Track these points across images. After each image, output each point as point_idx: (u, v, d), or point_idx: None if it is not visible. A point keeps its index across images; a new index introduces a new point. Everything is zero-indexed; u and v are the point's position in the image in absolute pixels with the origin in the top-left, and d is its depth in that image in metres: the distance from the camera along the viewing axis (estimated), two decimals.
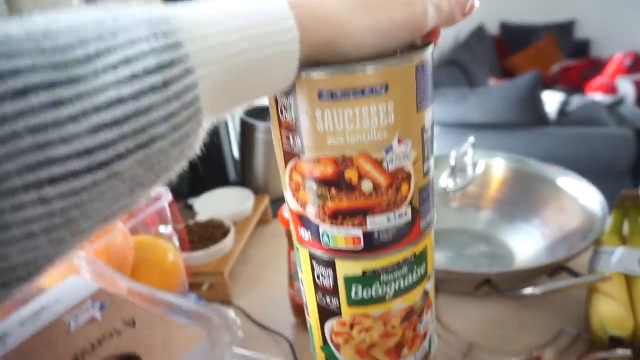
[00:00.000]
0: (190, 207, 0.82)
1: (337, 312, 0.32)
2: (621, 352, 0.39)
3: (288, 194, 0.30)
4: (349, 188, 0.27)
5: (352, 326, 0.32)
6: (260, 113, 0.86)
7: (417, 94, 0.26)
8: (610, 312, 0.44)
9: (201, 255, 0.65)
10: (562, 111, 2.32)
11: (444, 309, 0.60)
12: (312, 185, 0.28)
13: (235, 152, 0.98)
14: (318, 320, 0.33)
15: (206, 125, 0.21)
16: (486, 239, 0.70)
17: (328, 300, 0.32)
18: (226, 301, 0.65)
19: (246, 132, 0.86)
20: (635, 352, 0.42)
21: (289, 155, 0.28)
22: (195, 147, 0.21)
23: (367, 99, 0.24)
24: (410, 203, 0.28)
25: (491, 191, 0.76)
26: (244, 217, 0.78)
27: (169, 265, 0.42)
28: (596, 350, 0.44)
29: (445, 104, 1.86)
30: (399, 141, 0.26)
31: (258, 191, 0.85)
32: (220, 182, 0.91)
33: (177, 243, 0.44)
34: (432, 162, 0.30)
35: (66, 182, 0.16)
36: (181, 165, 0.21)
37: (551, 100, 2.39)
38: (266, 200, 0.83)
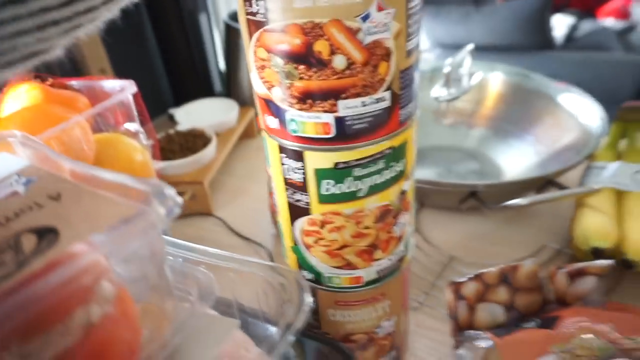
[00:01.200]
0: (172, 118, 0.79)
1: (307, 210, 0.30)
2: (602, 262, 0.38)
3: (254, 75, 0.27)
4: (320, 64, 0.23)
5: (322, 225, 0.30)
6: None
7: None
8: (594, 223, 0.43)
9: (180, 164, 0.63)
10: (570, 37, 2.21)
11: (428, 223, 0.59)
12: (278, 62, 0.24)
13: (222, 64, 0.93)
14: (288, 220, 0.32)
15: None
16: (477, 157, 0.68)
17: (298, 196, 0.29)
18: (207, 212, 0.64)
19: (231, 38, 0.80)
20: (617, 264, 0.42)
21: (253, 25, 0.24)
22: None
23: None
24: (390, 87, 0.25)
25: (486, 108, 0.72)
26: (228, 129, 0.75)
27: (137, 165, 0.39)
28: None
29: (447, 23, 1.76)
30: (379, 8, 0.22)
31: (244, 103, 0.81)
32: (205, 94, 0.86)
33: (145, 142, 0.41)
34: (416, 41, 0.26)
35: None
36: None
37: (560, 25, 2.26)
38: (251, 113, 0.79)
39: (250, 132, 0.81)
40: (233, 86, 0.86)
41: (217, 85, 0.93)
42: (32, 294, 0.13)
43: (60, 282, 0.14)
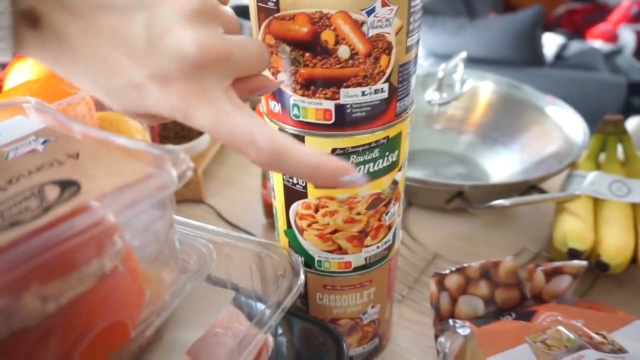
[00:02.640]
0: None
1: (303, 194, 0.31)
2: (577, 262, 0.40)
3: None
4: (325, 53, 0.25)
5: (317, 209, 0.31)
6: (246, 11, 0.81)
7: None
8: (573, 226, 0.45)
9: None
10: (560, 55, 2.27)
11: (414, 221, 0.60)
12: (285, 49, 0.26)
13: None
14: (283, 203, 0.33)
15: None
16: (465, 162, 0.70)
17: (295, 180, 0.31)
18: (199, 200, 0.65)
19: None
20: (590, 266, 0.44)
21: (262, 12, 0.25)
22: None
23: None
24: (389, 79, 0.27)
25: (476, 116, 0.74)
26: None
27: None
28: None
29: (442, 34, 1.79)
30: (383, 4, 0.24)
31: None
32: None
33: (144, 125, 0.42)
34: (416, 38, 0.28)
35: None
36: None
37: (550, 43, 2.32)
38: (247, 104, 0.80)
39: None
40: None
41: None
42: (54, 237, 0.14)
43: (80, 229, 0.15)
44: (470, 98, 0.74)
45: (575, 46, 2.40)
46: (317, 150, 0.24)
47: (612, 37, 2.55)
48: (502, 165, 0.67)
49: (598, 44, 2.49)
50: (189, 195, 0.65)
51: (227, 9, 0.23)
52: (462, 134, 0.74)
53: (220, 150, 0.74)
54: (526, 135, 0.68)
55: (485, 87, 0.73)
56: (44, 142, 0.20)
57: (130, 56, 0.19)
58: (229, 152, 0.76)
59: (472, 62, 0.73)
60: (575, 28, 2.79)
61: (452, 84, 0.66)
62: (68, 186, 0.16)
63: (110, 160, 0.18)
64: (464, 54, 0.64)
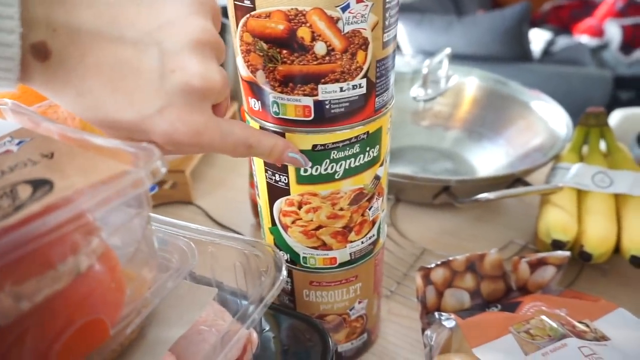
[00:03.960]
0: None
1: (286, 191, 0.31)
2: (560, 253, 0.40)
3: (239, 59, 0.28)
4: (302, 50, 0.25)
5: (300, 206, 0.32)
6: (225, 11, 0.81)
7: None
8: (556, 218, 0.46)
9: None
10: (547, 51, 2.29)
11: (402, 217, 0.61)
12: (262, 46, 0.26)
13: None
14: (267, 201, 0.33)
15: None
16: (452, 157, 0.71)
17: (277, 177, 0.31)
18: (188, 201, 0.65)
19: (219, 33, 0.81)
20: (572, 258, 0.44)
21: (240, 11, 0.26)
22: None
23: None
24: (366, 75, 0.27)
25: (462, 112, 0.75)
26: None
27: None
28: None
29: (430, 32, 1.80)
30: (358, 0, 0.24)
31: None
32: None
33: None
34: (393, 34, 0.28)
35: None
36: None
37: (537, 39, 2.34)
38: (235, 107, 0.80)
39: None
40: None
41: None
42: (25, 235, 0.14)
43: (52, 227, 0.15)
44: (456, 94, 0.74)
45: (562, 41, 2.42)
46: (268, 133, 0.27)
47: (599, 32, 2.58)
48: (488, 159, 0.67)
49: (585, 39, 2.51)
50: (178, 197, 0.65)
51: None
52: (448, 129, 0.75)
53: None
54: (511, 129, 0.68)
55: (470, 83, 0.74)
56: (19, 143, 0.20)
57: (143, 91, 0.20)
58: (218, 154, 0.76)
59: (460, 58, 0.74)
60: (562, 24, 2.82)
61: (437, 80, 0.67)
62: (41, 185, 0.16)
63: (85, 159, 0.18)
64: (448, 50, 0.64)
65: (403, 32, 1.94)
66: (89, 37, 0.19)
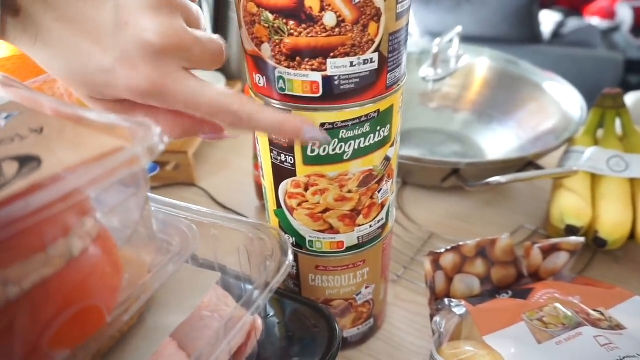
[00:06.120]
0: None
1: (292, 172, 0.30)
2: (574, 239, 0.39)
3: (243, 32, 0.26)
4: (310, 21, 0.23)
5: (306, 188, 0.30)
6: None
7: None
8: (570, 203, 0.44)
9: None
10: (557, 33, 2.24)
11: (410, 200, 0.60)
12: (268, 17, 0.24)
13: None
14: (272, 182, 0.32)
15: None
16: (461, 140, 0.69)
17: (283, 157, 0.30)
18: (191, 182, 0.64)
19: (220, 10, 0.79)
20: (585, 243, 0.43)
21: None
22: None
23: None
24: (378, 49, 0.25)
25: (471, 93, 0.73)
26: None
27: None
28: None
29: (438, 12, 1.76)
30: None
31: (231, 77, 0.80)
32: None
33: None
34: (408, 4, 0.26)
35: None
36: None
37: (548, 21, 2.29)
38: (239, 86, 0.78)
39: None
40: None
41: None
42: (12, 214, 0.13)
43: (40, 205, 0.14)
44: (466, 75, 0.72)
45: (573, 23, 2.37)
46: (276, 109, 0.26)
47: (610, 14, 2.52)
48: (498, 142, 0.66)
49: (595, 20, 2.46)
50: (181, 179, 0.63)
51: (188, 2, 0.25)
52: (457, 112, 0.73)
53: None
54: (523, 111, 0.66)
55: (481, 64, 0.72)
56: (7, 117, 0.19)
57: (100, 42, 0.22)
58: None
59: (469, 40, 0.71)
60: (573, 5, 2.75)
61: (447, 59, 0.64)
62: (28, 161, 0.15)
63: (77, 135, 0.17)
64: (459, 29, 0.62)
65: (410, 13, 1.90)
66: None
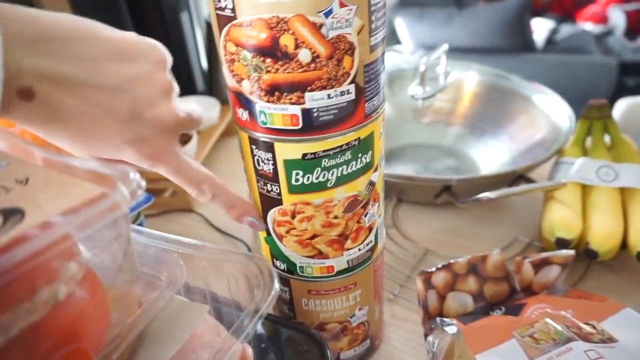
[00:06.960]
0: None
1: (278, 201, 0.31)
2: (565, 252, 0.39)
3: (225, 69, 0.27)
4: (286, 58, 0.24)
5: (293, 215, 0.31)
6: None
7: None
8: (560, 215, 0.45)
9: None
10: (550, 40, 2.26)
11: (404, 217, 0.60)
12: (246, 56, 0.25)
13: (204, 62, 0.93)
14: (261, 211, 0.32)
15: None
16: (454, 154, 0.70)
17: (269, 187, 0.30)
18: (188, 208, 0.65)
19: (213, 36, 0.80)
20: (578, 255, 0.43)
21: (222, 20, 0.25)
22: None
23: None
24: (354, 80, 0.26)
25: (463, 107, 0.74)
26: (209, 126, 0.75)
27: None
28: None
29: (431, 26, 1.78)
30: (341, 4, 0.24)
31: (226, 101, 0.82)
32: (188, 92, 0.87)
33: None
34: (381, 37, 0.27)
35: None
36: None
37: (540, 28, 2.31)
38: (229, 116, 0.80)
39: (231, 130, 0.81)
40: (215, 84, 0.86)
41: (200, 83, 0.94)
42: None
43: (25, 257, 0.15)
44: (456, 89, 0.73)
45: (566, 30, 2.39)
46: (238, 195, 0.32)
47: (602, 19, 2.54)
48: (491, 155, 0.66)
49: (588, 26, 2.48)
50: (179, 205, 0.64)
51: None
52: (450, 126, 0.74)
53: (208, 157, 0.74)
54: (514, 124, 0.67)
55: (470, 78, 0.73)
56: None
57: (114, 126, 0.25)
58: (217, 159, 0.76)
59: (462, 51, 0.73)
60: (565, 11, 2.78)
61: (435, 77, 0.66)
62: (11, 215, 0.16)
63: (61, 183, 0.18)
64: (445, 46, 0.63)
65: (403, 27, 1.93)
66: (71, 84, 0.23)
